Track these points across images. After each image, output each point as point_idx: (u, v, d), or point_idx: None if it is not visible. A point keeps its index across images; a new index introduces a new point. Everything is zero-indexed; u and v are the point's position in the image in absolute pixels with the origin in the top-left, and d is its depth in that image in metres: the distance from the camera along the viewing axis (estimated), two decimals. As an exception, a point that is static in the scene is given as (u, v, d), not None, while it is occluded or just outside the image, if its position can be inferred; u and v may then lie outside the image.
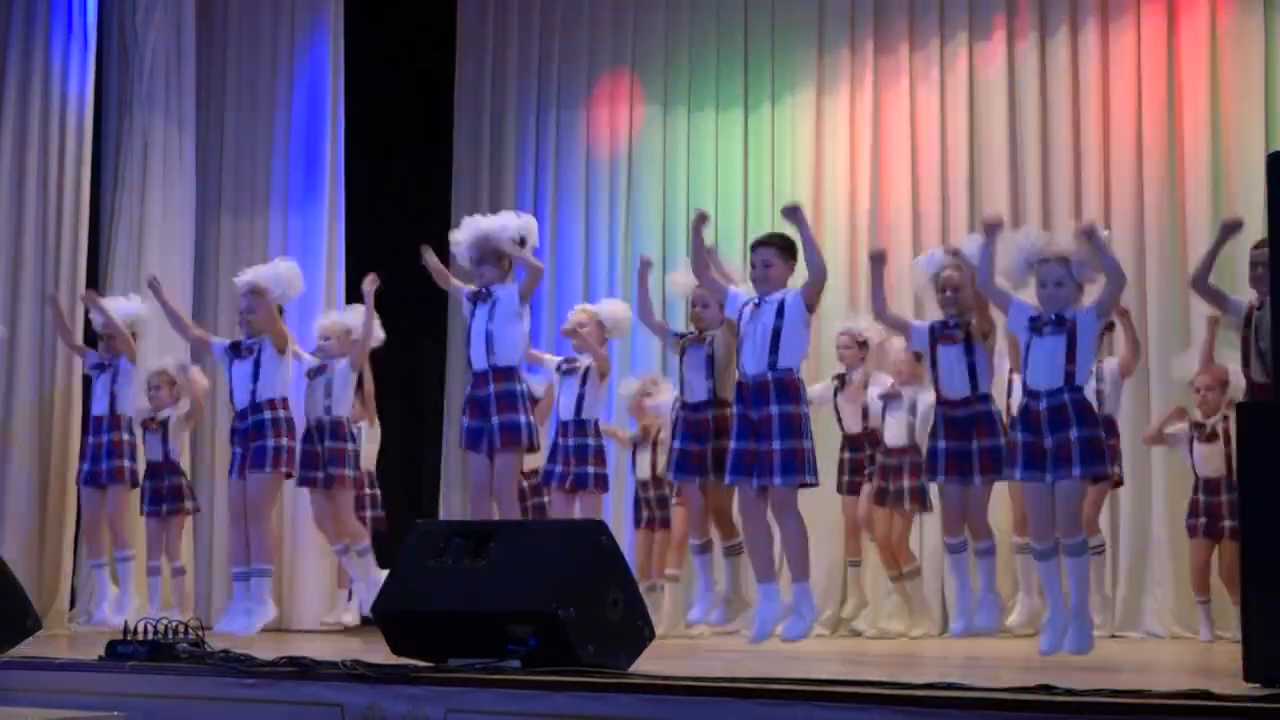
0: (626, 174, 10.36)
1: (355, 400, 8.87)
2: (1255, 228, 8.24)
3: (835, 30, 9.79)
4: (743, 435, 6.31)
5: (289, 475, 7.49)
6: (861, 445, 8.40)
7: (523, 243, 7.02)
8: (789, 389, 6.28)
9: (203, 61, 9.83)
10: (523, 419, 6.84)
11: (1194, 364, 7.80)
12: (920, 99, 9.51)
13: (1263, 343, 5.71)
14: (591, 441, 7.73)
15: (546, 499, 8.25)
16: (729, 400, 6.58)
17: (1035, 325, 5.92)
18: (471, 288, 7.10)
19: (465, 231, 7.16)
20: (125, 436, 7.84)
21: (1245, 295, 6.51)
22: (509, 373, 6.89)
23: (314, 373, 7.77)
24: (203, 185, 9.80)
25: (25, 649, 5.74)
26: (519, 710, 4.24)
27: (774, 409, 6.25)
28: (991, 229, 6.15)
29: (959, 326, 6.27)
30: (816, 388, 8.16)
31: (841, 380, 8.46)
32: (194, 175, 9.66)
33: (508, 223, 7.07)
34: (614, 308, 8.10)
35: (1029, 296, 6.09)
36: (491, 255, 7.00)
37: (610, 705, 4.12)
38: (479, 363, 6.92)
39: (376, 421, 8.92)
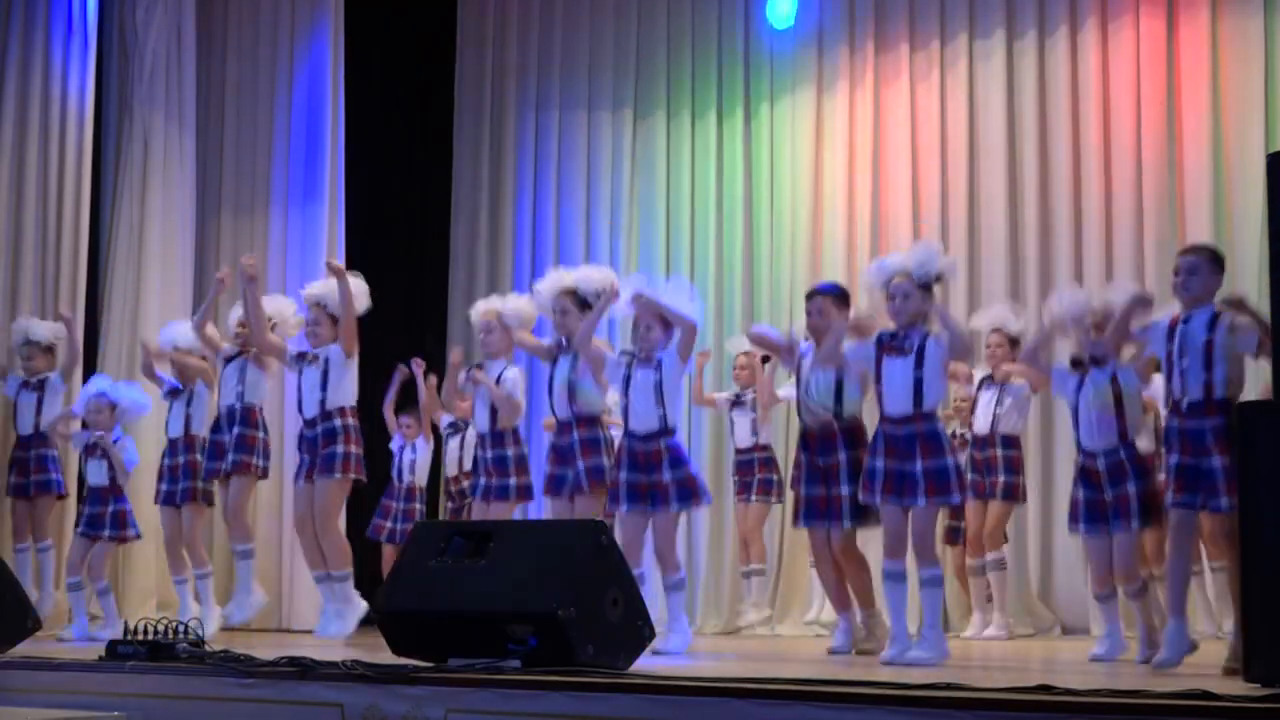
0: (629, 173, 10.36)
1: (411, 417, 8.89)
2: (1255, 227, 8.28)
3: (835, 30, 9.79)
4: (812, 481, 6.46)
5: (358, 481, 7.45)
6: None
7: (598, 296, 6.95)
8: (856, 435, 6.41)
9: (203, 61, 9.82)
10: (606, 462, 6.87)
11: None
12: (920, 100, 9.51)
13: (1185, 360, 5.35)
14: (511, 452, 7.44)
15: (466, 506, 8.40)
16: (674, 429, 6.62)
17: (1080, 382, 6.00)
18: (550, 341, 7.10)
19: (550, 282, 7.10)
20: (199, 458, 7.81)
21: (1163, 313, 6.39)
22: (592, 421, 6.94)
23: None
24: (203, 185, 9.80)
25: (25, 649, 5.75)
26: (519, 710, 4.24)
27: (842, 455, 6.38)
28: (1055, 328, 6.22)
29: (907, 339, 5.95)
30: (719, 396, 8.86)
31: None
32: (194, 175, 9.66)
33: (592, 274, 7.03)
34: (518, 303, 7.65)
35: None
36: (577, 305, 6.93)
37: (610, 705, 4.12)
38: (562, 412, 6.92)
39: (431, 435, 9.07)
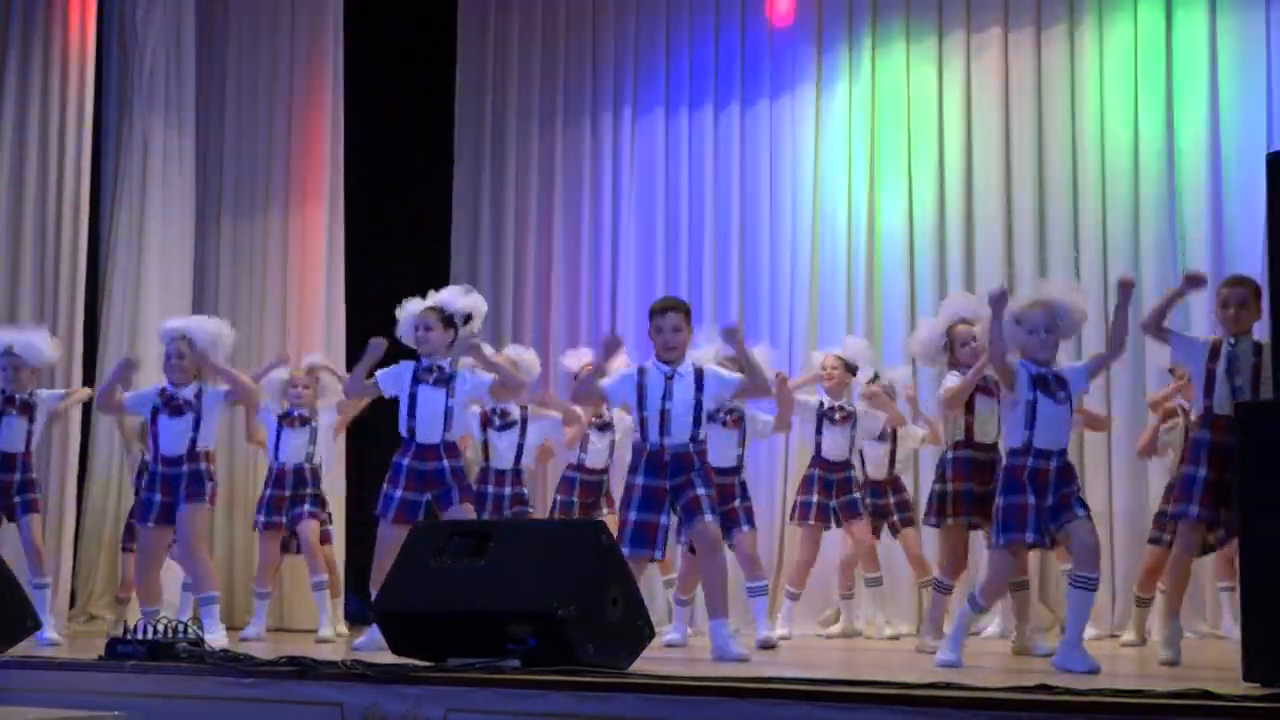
0: (629, 172, 10.35)
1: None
2: (1254, 227, 8.26)
3: (834, 27, 9.79)
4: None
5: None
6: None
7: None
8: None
9: (203, 61, 9.81)
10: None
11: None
12: (916, 95, 9.50)
13: (1239, 378, 5.79)
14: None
15: None
16: None
17: (1041, 385, 5.68)
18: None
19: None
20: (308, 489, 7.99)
21: (1199, 333, 6.77)
22: None
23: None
24: (203, 185, 9.79)
25: (25, 649, 5.75)
26: (519, 710, 4.25)
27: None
28: (997, 303, 5.74)
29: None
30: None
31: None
32: (194, 175, 9.65)
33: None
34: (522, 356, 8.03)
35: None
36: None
37: (610, 705, 4.12)
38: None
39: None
